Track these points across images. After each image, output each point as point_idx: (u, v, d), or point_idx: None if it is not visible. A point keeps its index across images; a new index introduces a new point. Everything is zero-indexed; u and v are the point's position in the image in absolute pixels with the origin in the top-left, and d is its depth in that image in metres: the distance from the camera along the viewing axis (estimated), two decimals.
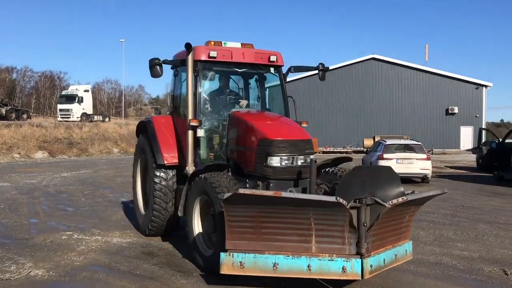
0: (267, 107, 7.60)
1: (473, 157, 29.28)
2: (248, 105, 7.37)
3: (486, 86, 43.45)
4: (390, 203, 4.56)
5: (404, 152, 17.01)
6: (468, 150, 41.32)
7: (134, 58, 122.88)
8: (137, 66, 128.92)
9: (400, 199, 4.67)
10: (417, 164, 16.02)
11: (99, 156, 32.67)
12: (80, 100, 44.45)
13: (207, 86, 7.10)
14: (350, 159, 7.00)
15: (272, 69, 7.40)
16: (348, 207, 4.39)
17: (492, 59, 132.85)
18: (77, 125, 37.47)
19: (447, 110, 43.36)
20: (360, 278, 4.65)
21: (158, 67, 6.80)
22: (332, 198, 4.38)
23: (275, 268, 4.55)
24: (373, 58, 44.76)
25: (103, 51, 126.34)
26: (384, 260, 4.91)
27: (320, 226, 4.56)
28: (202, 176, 5.87)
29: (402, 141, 19.53)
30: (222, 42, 7.04)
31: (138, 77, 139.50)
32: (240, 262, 4.61)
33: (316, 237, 4.60)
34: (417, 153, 16.98)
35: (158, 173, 7.24)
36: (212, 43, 6.97)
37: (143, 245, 7.35)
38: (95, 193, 13.34)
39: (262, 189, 5.71)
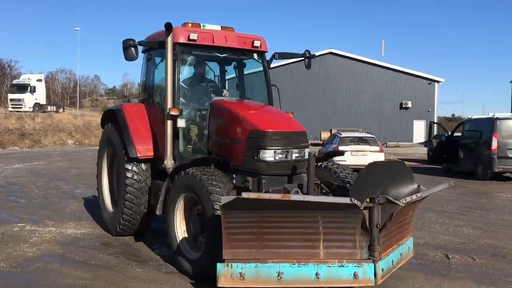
0: (247, 96, 7.09)
1: (424, 150, 30.36)
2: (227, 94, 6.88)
3: (438, 81, 45.06)
4: (404, 201, 4.22)
5: (358, 144, 17.52)
6: (420, 143, 42.76)
7: (89, 47, 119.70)
8: (92, 56, 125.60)
9: (414, 197, 4.32)
10: (370, 156, 16.48)
11: (53, 147, 31.74)
12: (33, 90, 43.01)
13: (186, 72, 6.54)
14: (342, 153, 6.62)
15: (255, 55, 6.90)
16: (362, 208, 4.05)
17: (445, 56, 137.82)
18: (30, 116, 36.28)
19: (401, 104, 44.71)
20: (373, 284, 4.26)
21: (133, 49, 6.12)
22: (346, 200, 4.02)
23: (279, 278, 4.14)
24: (331, 53, 45.48)
25: (57, 40, 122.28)
26: (392, 261, 4.60)
27: (329, 229, 4.20)
28: (189, 172, 5.31)
29: (356, 134, 20.09)
30: (201, 24, 6.47)
31: (93, 67, 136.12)
32: (240, 273, 4.15)
33: (324, 242, 4.23)
34: (370, 145, 17.54)
35: (130, 167, 6.61)
36: (190, 24, 6.37)
37: (99, 235, 7.30)
38: (49, 185, 13.04)
39: (253, 185, 5.33)
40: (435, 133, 27.12)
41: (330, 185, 5.76)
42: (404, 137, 44.19)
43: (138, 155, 6.54)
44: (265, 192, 5.13)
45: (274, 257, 4.20)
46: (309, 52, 7.07)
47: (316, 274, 4.16)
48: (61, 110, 48.73)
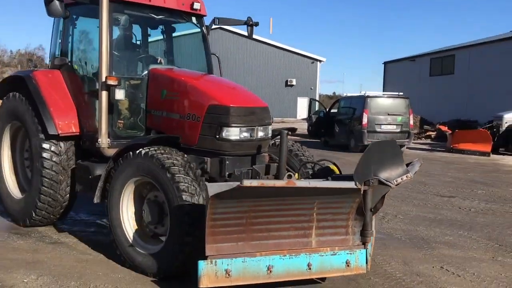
0: (177, 64, 6.39)
1: (306, 125, 32.31)
2: (161, 62, 6.15)
3: (320, 61, 47.71)
4: (395, 182, 4.04)
5: None
6: (303, 119, 45.21)
7: None
8: None
9: (404, 177, 4.15)
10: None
11: None
12: None
13: (117, 35, 5.66)
14: (295, 130, 6.10)
15: (194, 19, 6.19)
16: (362, 192, 3.90)
17: (327, 36, 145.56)
18: None
19: (286, 81, 46.72)
20: (364, 271, 4.13)
21: (58, 2, 5.11)
22: (351, 184, 3.84)
23: (269, 272, 3.81)
24: (220, 28, 45.71)
25: None
26: (370, 244, 4.45)
27: (323, 216, 4.00)
28: (146, 153, 4.49)
29: None
30: None
31: None
32: (226, 270, 3.70)
33: (317, 229, 4.01)
34: None
35: (47, 147, 5.62)
36: None
37: None
38: None
39: (212, 166, 4.79)
40: (316, 109, 28.96)
41: (293, 166, 5.42)
42: (289, 113, 46.34)
43: (59, 132, 5.57)
44: (229, 174, 4.76)
45: (263, 249, 3.87)
46: (251, 19, 6.47)
47: (308, 265, 3.92)
48: None
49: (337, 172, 4.93)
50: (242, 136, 4.81)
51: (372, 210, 4.11)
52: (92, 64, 5.71)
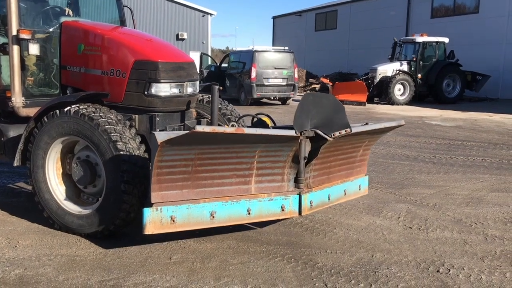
0: (83, 17, 5.98)
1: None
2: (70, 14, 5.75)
3: (211, 14, 47.40)
4: (332, 135, 4.24)
5: None
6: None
7: None
8: None
9: (343, 132, 4.30)
10: None
11: None
12: None
13: None
14: (216, 84, 5.90)
15: None
16: (299, 140, 4.12)
17: None
18: None
19: (177, 35, 45.89)
20: (298, 215, 4.42)
21: None
22: (291, 132, 4.05)
23: (212, 217, 3.93)
24: None
25: None
26: (329, 196, 4.67)
27: (262, 164, 4.17)
28: (76, 111, 4.29)
29: None
30: None
31: None
32: (171, 217, 3.76)
33: (256, 177, 4.19)
34: None
35: None
36: None
37: None
38: None
39: (140, 123, 4.69)
40: (209, 63, 29.19)
41: (221, 121, 5.46)
42: None
43: None
44: (160, 131, 4.63)
45: (207, 196, 3.97)
46: None
47: (248, 210, 4.09)
48: None
49: (271, 124, 5.09)
50: (172, 92, 4.72)
51: (306, 159, 4.32)
52: None
